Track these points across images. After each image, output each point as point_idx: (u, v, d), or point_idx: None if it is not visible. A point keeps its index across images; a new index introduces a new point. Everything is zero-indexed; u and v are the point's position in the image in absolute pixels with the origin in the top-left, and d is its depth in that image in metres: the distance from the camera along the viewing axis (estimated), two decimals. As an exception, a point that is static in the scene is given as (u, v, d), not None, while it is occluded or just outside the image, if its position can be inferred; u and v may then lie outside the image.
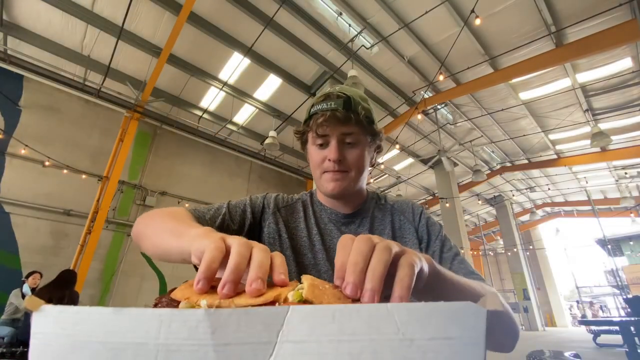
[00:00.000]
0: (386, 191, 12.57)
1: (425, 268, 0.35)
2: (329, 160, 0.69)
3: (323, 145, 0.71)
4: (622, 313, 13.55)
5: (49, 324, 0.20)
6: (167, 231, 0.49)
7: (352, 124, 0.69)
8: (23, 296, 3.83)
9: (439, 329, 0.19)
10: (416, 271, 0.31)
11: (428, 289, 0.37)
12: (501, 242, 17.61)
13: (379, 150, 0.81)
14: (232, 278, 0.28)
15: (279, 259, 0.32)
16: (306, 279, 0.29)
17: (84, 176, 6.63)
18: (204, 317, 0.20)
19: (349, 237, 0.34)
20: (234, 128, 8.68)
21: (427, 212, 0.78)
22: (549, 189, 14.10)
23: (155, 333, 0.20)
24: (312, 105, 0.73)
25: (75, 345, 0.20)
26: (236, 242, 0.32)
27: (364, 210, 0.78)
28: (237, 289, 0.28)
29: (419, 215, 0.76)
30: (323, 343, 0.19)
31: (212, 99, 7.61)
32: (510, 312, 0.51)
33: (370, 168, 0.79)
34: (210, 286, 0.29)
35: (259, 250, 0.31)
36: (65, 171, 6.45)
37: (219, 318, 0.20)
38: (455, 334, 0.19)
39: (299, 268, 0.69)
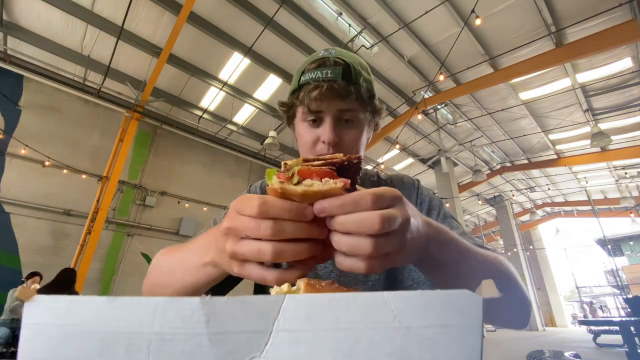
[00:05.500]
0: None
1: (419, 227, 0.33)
2: (323, 142, 0.58)
3: (316, 122, 0.61)
4: (622, 313, 13.55)
5: (42, 314, 0.20)
6: (172, 267, 0.46)
7: (352, 99, 0.58)
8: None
9: (436, 317, 0.19)
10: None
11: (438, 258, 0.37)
12: (501, 242, 17.59)
13: (375, 128, 0.73)
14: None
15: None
16: (302, 280, 0.29)
17: (84, 176, 6.62)
18: (199, 305, 0.20)
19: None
20: (233, 128, 8.67)
21: (422, 186, 0.69)
22: (549, 189, 14.09)
23: (149, 322, 0.19)
24: (303, 73, 0.60)
25: (67, 335, 0.20)
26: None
27: None
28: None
29: (415, 192, 0.67)
30: (319, 332, 0.19)
31: (212, 99, 7.60)
32: (521, 286, 0.48)
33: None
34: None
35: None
36: (65, 171, 6.44)
37: (214, 307, 0.19)
38: (452, 322, 0.19)
39: None
